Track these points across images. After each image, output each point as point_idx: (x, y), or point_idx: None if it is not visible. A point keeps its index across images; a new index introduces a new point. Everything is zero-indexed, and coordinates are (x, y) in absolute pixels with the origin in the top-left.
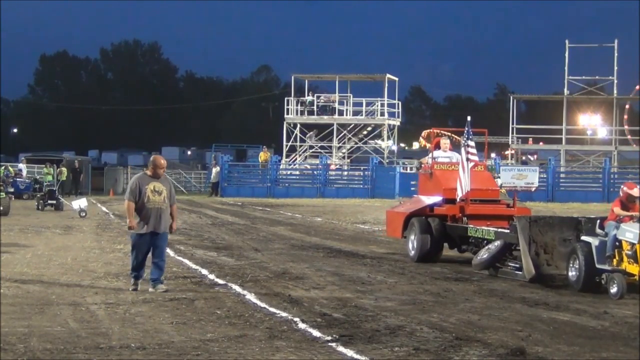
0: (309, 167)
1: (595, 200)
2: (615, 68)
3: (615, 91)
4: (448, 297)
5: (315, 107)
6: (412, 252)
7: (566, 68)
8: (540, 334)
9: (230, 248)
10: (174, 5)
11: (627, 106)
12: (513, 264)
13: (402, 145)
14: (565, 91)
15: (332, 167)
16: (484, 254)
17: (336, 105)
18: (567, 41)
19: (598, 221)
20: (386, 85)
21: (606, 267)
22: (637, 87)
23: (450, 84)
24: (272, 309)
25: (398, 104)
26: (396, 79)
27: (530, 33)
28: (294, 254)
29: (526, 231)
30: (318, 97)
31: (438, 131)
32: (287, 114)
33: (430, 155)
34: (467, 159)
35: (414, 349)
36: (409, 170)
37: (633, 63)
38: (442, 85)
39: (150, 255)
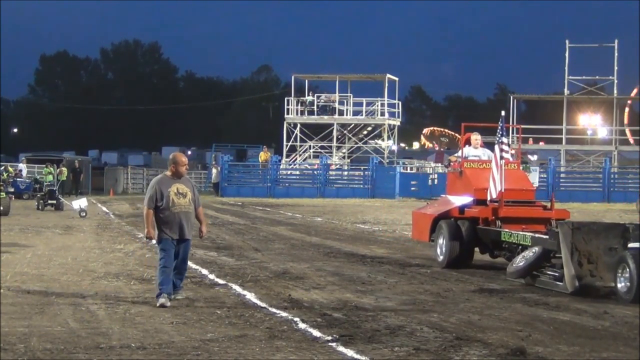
0: (309, 166)
1: (595, 200)
2: (616, 68)
3: (615, 91)
4: (448, 297)
5: (315, 107)
6: (441, 257)
7: (566, 68)
8: (541, 334)
9: (230, 248)
10: (174, 5)
11: (627, 106)
12: (552, 273)
13: (402, 145)
14: (566, 91)
15: (332, 167)
16: (520, 262)
17: (336, 105)
18: (567, 41)
19: None
20: (386, 85)
21: None
22: (637, 88)
23: (451, 83)
24: (272, 309)
25: (398, 103)
26: (396, 78)
27: (530, 33)
28: (294, 254)
29: (569, 238)
30: (318, 97)
31: (438, 131)
32: (287, 113)
33: (460, 152)
34: (501, 157)
35: (414, 348)
36: (409, 170)
37: (633, 63)
38: (443, 85)
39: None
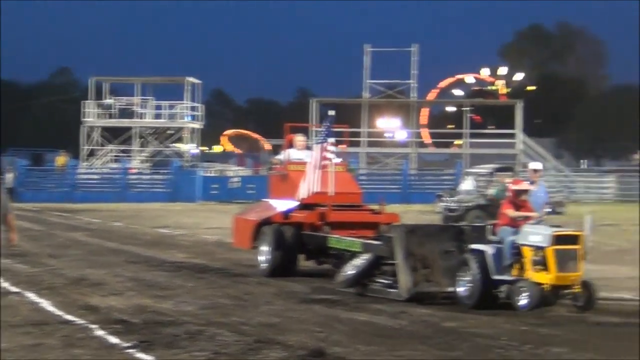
0: (109, 170)
1: (395, 202)
2: (414, 72)
3: (414, 95)
4: (248, 300)
5: (115, 111)
6: (264, 265)
7: (366, 72)
8: (339, 335)
9: (25, 255)
10: None
11: (425, 109)
12: (383, 281)
13: (204, 148)
14: (366, 94)
15: (133, 170)
16: (349, 270)
17: (137, 108)
18: (366, 45)
19: (490, 227)
20: (188, 88)
21: (506, 277)
22: (435, 90)
23: (253, 87)
24: (69, 317)
25: (200, 107)
26: (198, 81)
27: (332, 36)
28: (92, 260)
29: (403, 242)
30: (118, 100)
31: (239, 133)
32: (86, 117)
33: (283, 154)
34: (323, 158)
35: (214, 353)
36: (210, 174)
37: (431, 67)
38: (245, 88)
39: None
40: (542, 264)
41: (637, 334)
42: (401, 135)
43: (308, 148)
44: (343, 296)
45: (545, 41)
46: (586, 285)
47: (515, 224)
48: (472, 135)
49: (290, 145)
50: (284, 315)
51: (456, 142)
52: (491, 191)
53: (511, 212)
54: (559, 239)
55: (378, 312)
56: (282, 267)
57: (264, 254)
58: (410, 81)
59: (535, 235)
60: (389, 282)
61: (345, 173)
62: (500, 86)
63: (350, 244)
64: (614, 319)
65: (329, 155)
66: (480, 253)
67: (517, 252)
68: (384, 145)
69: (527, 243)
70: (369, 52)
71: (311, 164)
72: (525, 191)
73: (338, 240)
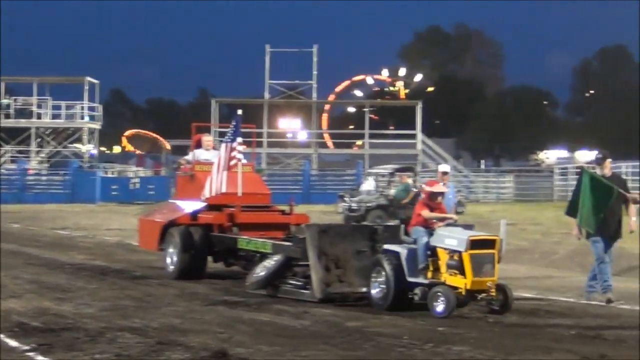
0: (6, 171)
1: (298, 202)
2: (315, 72)
3: (314, 95)
4: (150, 301)
5: (12, 111)
6: (171, 267)
7: (267, 72)
8: (242, 335)
9: None
10: None
11: (326, 109)
12: (295, 282)
13: (103, 149)
14: (266, 95)
15: (31, 171)
16: (260, 271)
17: (34, 108)
18: (267, 45)
19: (403, 226)
20: (86, 88)
21: (421, 280)
22: (334, 92)
23: (152, 87)
24: None
25: (98, 107)
26: (97, 81)
27: (233, 36)
28: None
29: (315, 242)
30: (15, 100)
31: (138, 133)
32: None
33: (190, 154)
34: (232, 158)
35: (115, 355)
36: (110, 175)
37: (331, 68)
38: (144, 88)
39: None
40: (457, 268)
41: (536, 332)
42: (302, 135)
43: (215, 148)
44: (245, 297)
45: (444, 42)
46: (501, 288)
47: (429, 225)
48: (373, 136)
49: (198, 145)
50: (186, 316)
51: (357, 142)
52: (392, 191)
53: (426, 213)
54: (475, 243)
55: (281, 312)
56: (191, 270)
57: (171, 256)
58: (311, 82)
59: (451, 238)
60: (301, 283)
61: (254, 174)
62: (400, 87)
63: (261, 245)
64: (513, 317)
65: (237, 155)
66: (395, 254)
67: (431, 254)
68: (284, 146)
69: (442, 246)
70: (270, 53)
71: (217, 164)
72: (440, 193)
73: (248, 241)
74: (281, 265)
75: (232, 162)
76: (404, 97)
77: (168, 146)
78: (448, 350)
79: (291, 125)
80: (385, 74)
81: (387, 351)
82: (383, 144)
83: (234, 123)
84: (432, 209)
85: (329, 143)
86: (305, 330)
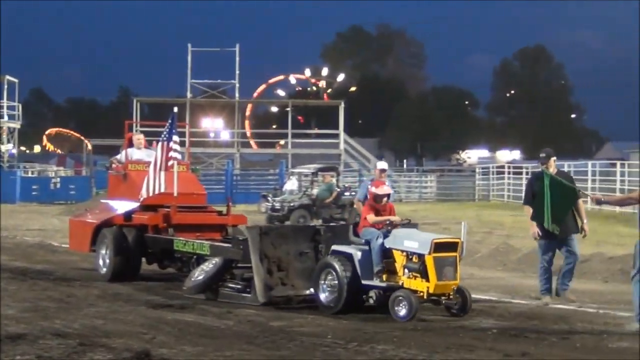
0: None
1: (218, 202)
2: (237, 72)
3: (237, 95)
4: (71, 302)
5: None
6: (104, 269)
7: (189, 71)
8: (165, 336)
9: None
10: None
11: (248, 109)
12: (234, 285)
13: (23, 148)
14: (189, 94)
15: None
16: (198, 275)
17: None
18: (189, 45)
19: (351, 226)
20: (6, 87)
21: (377, 283)
22: (257, 92)
23: (73, 86)
24: None
25: (18, 106)
26: (16, 80)
27: (155, 36)
28: None
29: (257, 244)
30: None
31: (59, 132)
32: None
33: (122, 152)
34: (169, 157)
35: (36, 357)
36: (30, 174)
37: (253, 67)
38: (64, 87)
39: None
40: (419, 271)
41: (459, 330)
42: (225, 135)
43: (147, 147)
44: (169, 297)
45: (366, 42)
46: (460, 290)
47: (380, 226)
48: (296, 136)
49: (130, 144)
50: (108, 317)
51: (280, 142)
52: (315, 191)
53: (371, 218)
54: (438, 246)
55: (204, 312)
56: (124, 272)
57: (103, 258)
58: (233, 81)
59: (410, 240)
60: (240, 286)
61: (189, 173)
62: (323, 86)
63: (198, 246)
64: (436, 316)
65: (174, 155)
66: (347, 256)
67: (386, 256)
68: (207, 146)
69: (400, 248)
70: (192, 52)
71: (154, 164)
72: (386, 195)
73: (184, 243)
74: (220, 268)
75: (170, 163)
76: (326, 97)
77: (90, 146)
78: (372, 349)
79: (214, 125)
80: (308, 73)
81: (311, 350)
82: (306, 144)
83: (169, 121)
84: (377, 211)
85: (252, 143)
86: (229, 330)
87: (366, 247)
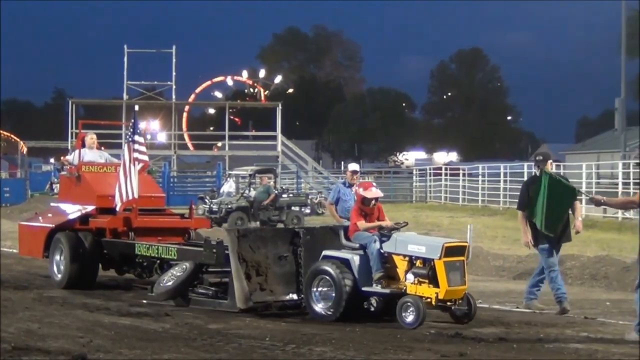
0: None
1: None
2: (174, 74)
3: (174, 96)
4: (7, 306)
5: None
6: (58, 276)
7: (125, 73)
8: (102, 339)
9: None
10: None
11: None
12: (204, 291)
13: None
14: (125, 96)
15: None
16: (168, 281)
17: None
18: (125, 46)
19: (342, 230)
20: None
21: (378, 289)
22: (194, 94)
23: (6, 87)
24: None
25: None
26: None
27: (90, 37)
28: None
29: (235, 247)
30: None
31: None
32: None
33: (74, 153)
34: (136, 159)
35: None
36: None
37: (190, 69)
38: None
39: None
40: (426, 277)
41: (397, 332)
42: (161, 137)
43: (99, 148)
44: (105, 301)
45: (302, 44)
46: (465, 297)
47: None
48: (233, 137)
49: (83, 144)
50: (44, 321)
51: (217, 144)
52: (252, 193)
53: (362, 225)
54: (448, 251)
55: (141, 315)
56: (80, 278)
57: (58, 264)
58: (170, 83)
59: (416, 245)
60: (212, 292)
61: (147, 175)
62: (260, 88)
63: (164, 250)
64: (374, 319)
65: (139, 156)
66: (343, 261)
67: (384, 261)
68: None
69: (403, 253)
70: (127, 53)
71: (123, 168)
72: (375, 199)
73: (148, 247)
74: (191, 273)
75: (140, 165)
76: (264, 98)
77: (24, 148)
78: (310, 351)
79: (150, 127)
80: (245, 75)
81: (249, 353)
82: (243, 146)
83: (132, 120)
84: (366, 215)
85: (189, 144)
86: (166, 333)
87: (362, 252)
